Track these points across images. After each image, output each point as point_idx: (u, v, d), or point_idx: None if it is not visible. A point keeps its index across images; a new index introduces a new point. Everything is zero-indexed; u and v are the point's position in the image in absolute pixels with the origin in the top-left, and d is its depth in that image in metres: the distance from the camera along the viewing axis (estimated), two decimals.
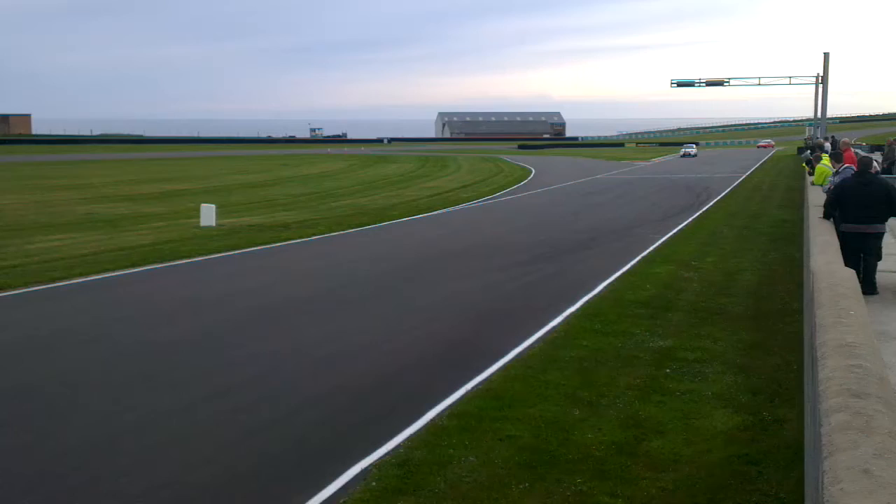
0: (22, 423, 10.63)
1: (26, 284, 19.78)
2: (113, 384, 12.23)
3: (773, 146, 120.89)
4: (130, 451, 9.69)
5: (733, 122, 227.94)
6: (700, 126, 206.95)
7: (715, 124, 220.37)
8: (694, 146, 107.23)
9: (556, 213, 38.07)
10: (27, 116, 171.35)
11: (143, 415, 10.89)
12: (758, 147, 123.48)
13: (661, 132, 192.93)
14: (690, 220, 33.67)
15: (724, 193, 46.50)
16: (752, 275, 20.68)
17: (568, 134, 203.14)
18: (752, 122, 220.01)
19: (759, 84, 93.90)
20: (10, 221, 33.77)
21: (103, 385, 12.21)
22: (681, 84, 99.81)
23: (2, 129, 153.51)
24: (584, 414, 10.78)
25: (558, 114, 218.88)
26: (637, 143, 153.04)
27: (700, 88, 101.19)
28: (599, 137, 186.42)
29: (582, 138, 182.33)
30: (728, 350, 13.72)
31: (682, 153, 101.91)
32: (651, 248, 25.51)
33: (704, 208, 38.51)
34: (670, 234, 29.15)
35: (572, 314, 16.45)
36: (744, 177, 60.81)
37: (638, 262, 22.98)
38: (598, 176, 66.27)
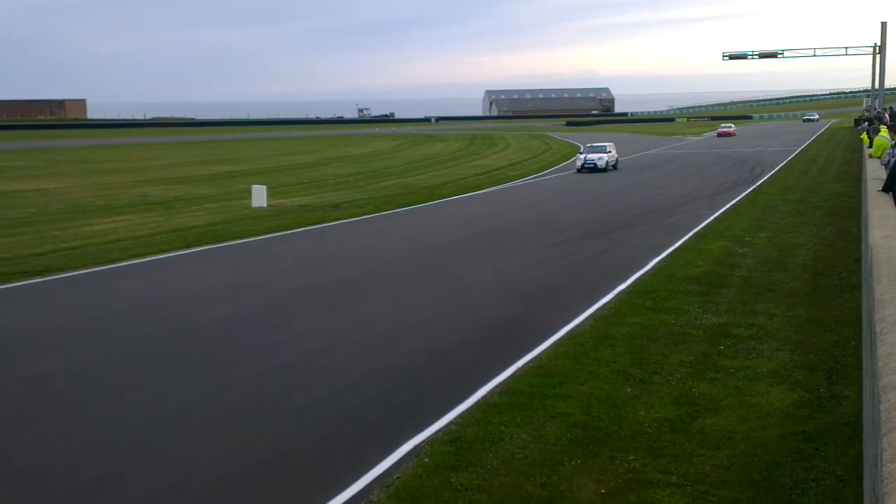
0: (81, 401, 10.95)
1: (86, 266, 20.28)
2: (169, 363, 12.52)
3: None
4: (187, 427, 9.93)
5: (787, 95, 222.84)
6: (753, 99, 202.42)
7: (768, 97, 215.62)
8: (732, 125, 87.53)
9: (605, 189, 37.71)
10: (82, 101, 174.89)
11: (198, 392, 11.15)
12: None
13: (712, 106, 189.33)
14: (744, 194, 33.09)
15: (778, 167, 45.57)
16: (807, 250, 20.28)
17: (617, 110, 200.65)
18: (807, 94, 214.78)
19: (814, 55, 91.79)
20: (68, 204, 34.57)
21: (160, 363, 12.50)
22: (733, 57, 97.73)
23: (58, 114, 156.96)
24: (636, 391, 10.73)
25: (607, 89, 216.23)
26: (688, 118, 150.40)
27: (753, 61, 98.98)
28: (649, 112, 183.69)
29: (631, 114, 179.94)
30: (783, 326, 13.51)
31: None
32: (703, 224, 25.16)
33: (758, 182, 37.80)
34: (723, 209, 28.70)
35: (623, 291, 16.33)
36: (799, 150, 59.50)
37: (690, 237, 22.70)
38: (649, 151, 65.44)
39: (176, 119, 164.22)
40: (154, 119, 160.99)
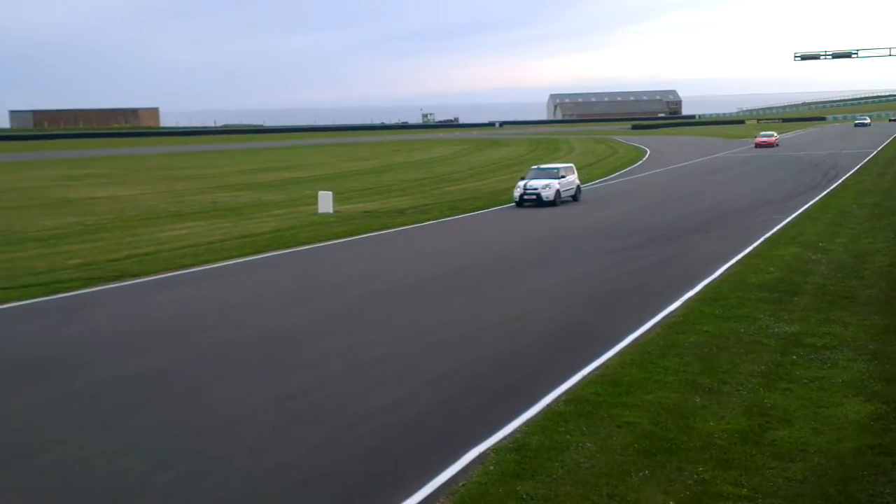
0: (155, 405, 11.22)
1: (159, 271, 20.80)
2: (240, 368, 12.75)
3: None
4: (257, 432, 10.09)
5: (863, 96, 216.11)
6: (827, 100, 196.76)
7: (843, 98, 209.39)
8: (868, 118, 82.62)
9: (673, 194, 37.15)
10: (155, 110, 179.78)
11: (269, 397, 11.31)
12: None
13: (784, 107, 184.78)
14: (817, 199, 32.24)
15: (853, 170, 44.27)
16: (884, 256, 19.65)
17: (684, 112, 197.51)
18: (884, 94, 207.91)
19: (890, 55, 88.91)
20: (142, 211, 35.52)
21: (231, 368, 12.74)
22: (805, 57, 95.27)
23: (132, 123, 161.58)
24: (706, 401, 10.53)
25: (673, 92, 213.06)
26: (758, 120, 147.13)
27: (826, 61, 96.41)
28: (717, 115, 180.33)
29: (699, 116, 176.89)
30: (859, 335, 13.11)
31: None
32: (775, 230, 24.59)
33: (832, 186, 36.80)
34: (795, 214, 28.01)
35: (691, 298, 16.06)
36: (875, 152, 57.68)
37: (761, 243, 22.20)
38: (718, 154, 64.24)
39: (245, 126, 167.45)
40: (224, 126, 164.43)
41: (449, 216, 31.45)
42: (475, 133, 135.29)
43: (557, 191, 33.27)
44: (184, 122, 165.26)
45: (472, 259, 22.22)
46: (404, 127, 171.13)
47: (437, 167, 61.88)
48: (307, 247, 24.67)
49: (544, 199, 32.76)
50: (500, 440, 9.51)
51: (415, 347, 13.51)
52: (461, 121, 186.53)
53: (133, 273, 20.44)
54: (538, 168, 36.13)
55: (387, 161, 71.41)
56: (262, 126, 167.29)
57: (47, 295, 17.97)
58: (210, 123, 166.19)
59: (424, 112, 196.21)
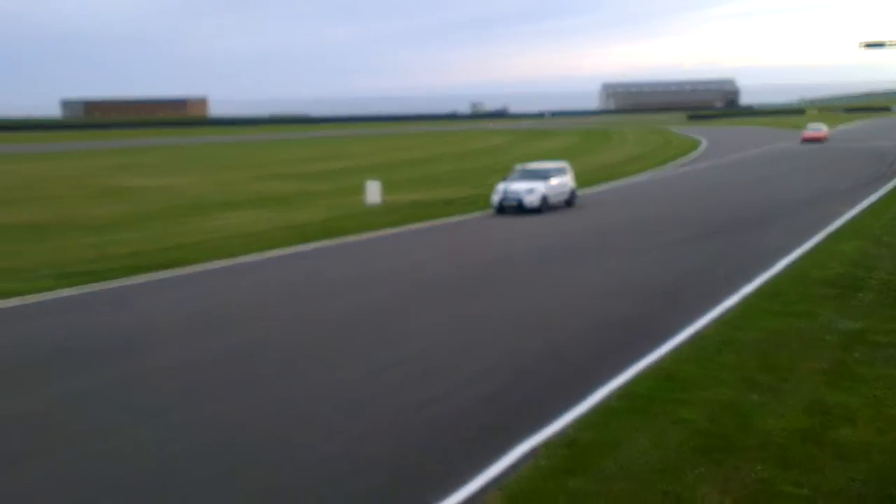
0: (201, 396, 11.20)
1: (208, 260, 20.91)
2: (287, 357, 12.69)
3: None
4: (302, 423, 9.99)
5: None
6: (893, 90, 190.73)
7: None
8: None
9: (730, 186, 36.38)
10: (204, 99, 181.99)
11: (316, 387, 11.22)
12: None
13: (847, 97, 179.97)
14: (883, 191, 31.25)
15: None
16: None
17: (742, 102, 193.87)
18: None
19: None
20: (190, 200, 35.89)
21: (278, 358, 12.68)
22: (871, 45, 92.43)
23: (180, 112, 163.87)
24: (764, 399, 10.15)
25: (731, 81, 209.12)
26: (820, 110, 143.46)
27: (893, 49, 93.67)
28: (777, 105, 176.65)
29: (757, 106, 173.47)
30: None
31: None
32: (837, 223, 23.87)
33: None
34: (859, 206, 27.17)
35: (750, 293, 15.59)
36: None
37: (823, 237, 21.54)
38: (777, 145, 62.84)
39: (292, 115, 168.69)
40: (272, 116, 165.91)
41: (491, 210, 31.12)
42: (525, 123, 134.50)
43: (543, 196, 28.70)
44: (232, 112, 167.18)
45: (517, 249, 21.95)
46: (454, 117, 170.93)
47: (485, 158, 61.56)
48: (354, 237, 24.63)
49: (526, 205, 28.35)
50: (552, 435, 9.27)
51: (464, 337, 13.32)
52: (511, 111, 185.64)
53: (182, 262, 20.56)
54: (524, 168, 31.08)
55: (435, 151, 71.30)
56: (308, 116, 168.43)
57: (99, 283, 18.15)
58: (258, 113, 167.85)
59: (474, 102, 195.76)
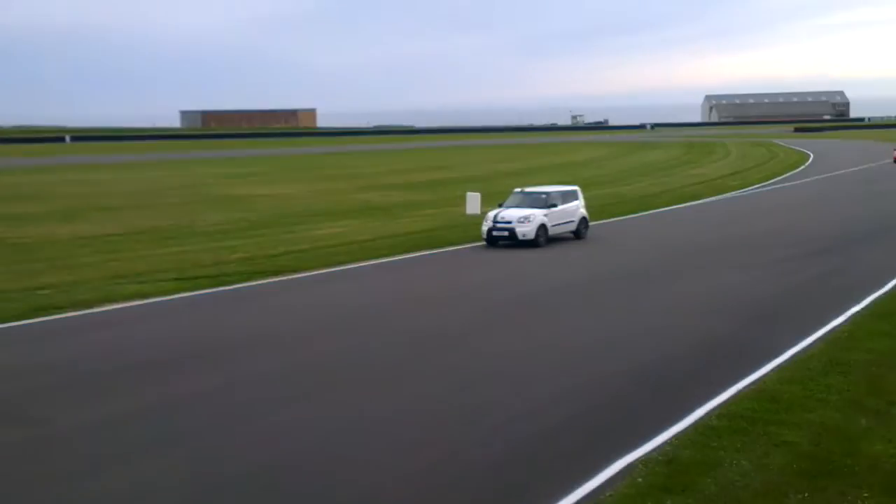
0: (301, 398, 11.70)
1: (314, 268, 21.62)
2: (382, 366, 13.09)
3: None
4: (386, 435, 10.30)
5: None
6: None
7: None
8: None
9: (838, 202, 35.18)
10: (313, 111, 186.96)
11: (402, 399, 11.54)
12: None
13: None
14: None
15: None
16: None
17: (852, 114, 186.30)
18: None
19: None
20: (299, 208, 36.98)
21: (375, 366, 13.09)
22: None
23: (291, 123, 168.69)
24: (872, 423, 9.92)
25: (841, 93, 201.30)
26: None
27: None
28: (891, 117, 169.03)
29: (869, 119, 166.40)
30: None
31: None
32: None
33: None
34: None
35: (858, 313, 15.17)
36: None
37: None
38: (890, 160, 60.22)
39: (396, 127, 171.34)
40: (377, 127, 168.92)
41: (597, 220, 30.98)
42: (625, 135, 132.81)
43: (542, 225, 24.29)
44: (339, 123, 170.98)
45: (614, 266, 21.85)
46: (553, 129, 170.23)
47: (584, 170, 61.15)
48: (454, 247, 24.98)
49: (520, 236, 24.00)
50: (649, 451, 9.32)
51: (561, 351, 13.44)
52: (611, 123, 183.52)
53: (291, 268, 21.33)
54: (523, 192, 26.50)
55: (534, 163, 71.23)
56: (412, 127, 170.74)
57: (214, 287, 19.08)
58: (364, 124, 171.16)
59: (574, 114, 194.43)
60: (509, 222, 24.35)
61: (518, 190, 26.98)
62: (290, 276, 20.43)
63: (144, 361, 13.24)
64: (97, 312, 16.71)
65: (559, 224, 25.24)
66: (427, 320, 16.04)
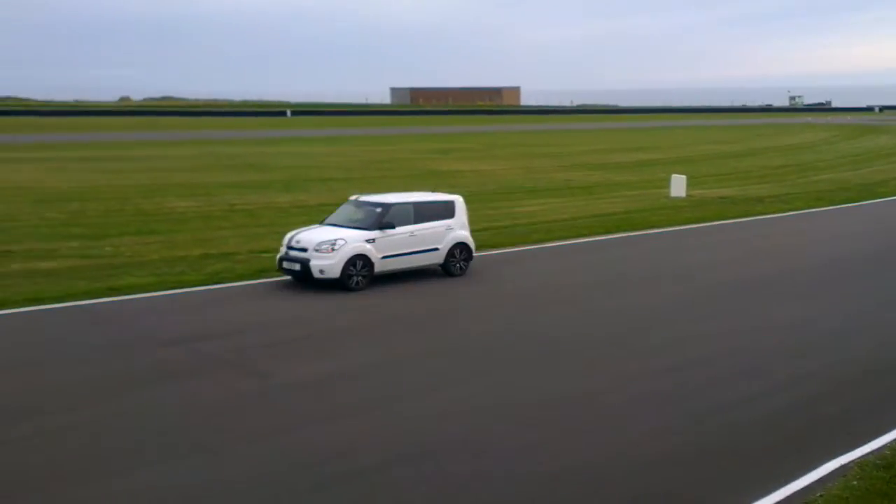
0: (477, 375, 11.93)
1: (513, 244, 21.91)
2: (588, 344, 13.09)
3: None
4: (602, 411, 10.31)
5: None
6: None
7: None
8: None
9: None
10: (517, 89, 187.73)
11: (612, 377, 11.52)
12: None
13: None
14: None
15: None
16: None
17: None
18: None
19: None
20: (500, 185, 37.40)
21: (581, 342, 13.13)
22: None
23: (496, 101, 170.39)
24: None
25: None
26: None
27: None
28: None
29: None
30: None
31: None
32: None
33: None
34: None
35: None
36: None
37: None
38: None
39: (600, 106, 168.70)
40: (580, 106, 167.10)
41: (814, 207, 29.19)
42: (849, 118, 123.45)
43: (358, 258, 16.62)
44: (542, 101, 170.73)
45: (829, 256, 20.50)
46: (768, 110, 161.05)
47: (803, 154, 57.53)
48: (656, 230, 24.43)
49: (315, 272, 16.40)
50: (866, 454, 8.76)
51: (772, 342, 12.87)
52: (834, 104, 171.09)
53: (490, 245, 21.70)
54: (357, 200, 18.42)
55: (747, 145, 67.83)
56: (616, 106, 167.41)
57: None
58: (567, 103, 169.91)
59: (791, 94, 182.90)
60: (304, 249, 16.73)
61: (353, 197, 18.74)
62: (488, 252, 20.82)
63: (374, 322, 13.97)
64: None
65: (405, 254, 17.44)
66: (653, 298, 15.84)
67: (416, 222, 17.67)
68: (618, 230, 24.33)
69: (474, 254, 18.49)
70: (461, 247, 18.25)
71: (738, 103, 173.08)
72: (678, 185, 32.89)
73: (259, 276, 17.51)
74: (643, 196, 33.12)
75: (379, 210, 17.54)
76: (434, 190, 20.42)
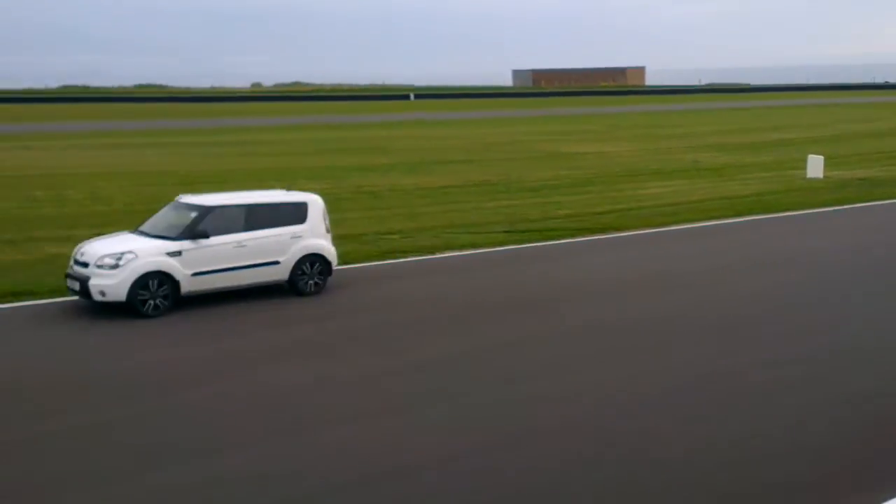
0: (601, 362, 11.82)
1: (638, 227, 21.55)
2: (713, 327, 12.78)
3: None
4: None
5: None
6: None
7: None
8: None
9: None
10: (641, 69, 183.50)
11: (750, 360, 11.20)
12: None
13: None
14: None
15: None
16: None
17: None
18: None
19: None
20: (625, 167, 36.72)
21: (701, 330, 12.84)
22: None
23: (620, 81, 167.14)
24: None
25: None
26: None
27: None
28: None
29: None
30: None
31: None
32: None
33: None
34: None
35: None
36: None
37: None
38: None
39: (730, 85, 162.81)
40: (708, 85, 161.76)
41: None
42: None
43: (154, 274, 13.50)
44: (668, 81, 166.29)
45: None
46: None
47: None
48: (791, 213, 23.52)
49: (95, 294, 13.45)
50: None
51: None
52: None
53: (615, 227, 21.44)
54: (178, 202, 15.20)
55: (890, 124, 64.03)
56: (748, 85, 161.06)
57: (542, 241, 19.82)
58: (694, 82, 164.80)
59: None
60: (86, 265, 13.73)
61: (180, 198, 15.35)
62: (613, 235, 20.58)
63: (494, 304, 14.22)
64: (439, 259, 18.27)
65: (228, 270, 14.17)
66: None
67: (247, 229, 14.34)
68: (748, 213, 23.54)
69: (335, 266, 15.04)
70: (314, 259, 14.79)
71: (879, 79, 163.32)
72: (815, 166, 31.49)
73: (384, 258, 17.94)
74: (777, 177, 31.89)
75: (193, 215, 14.23)
76: (289, 188, 16.68)
